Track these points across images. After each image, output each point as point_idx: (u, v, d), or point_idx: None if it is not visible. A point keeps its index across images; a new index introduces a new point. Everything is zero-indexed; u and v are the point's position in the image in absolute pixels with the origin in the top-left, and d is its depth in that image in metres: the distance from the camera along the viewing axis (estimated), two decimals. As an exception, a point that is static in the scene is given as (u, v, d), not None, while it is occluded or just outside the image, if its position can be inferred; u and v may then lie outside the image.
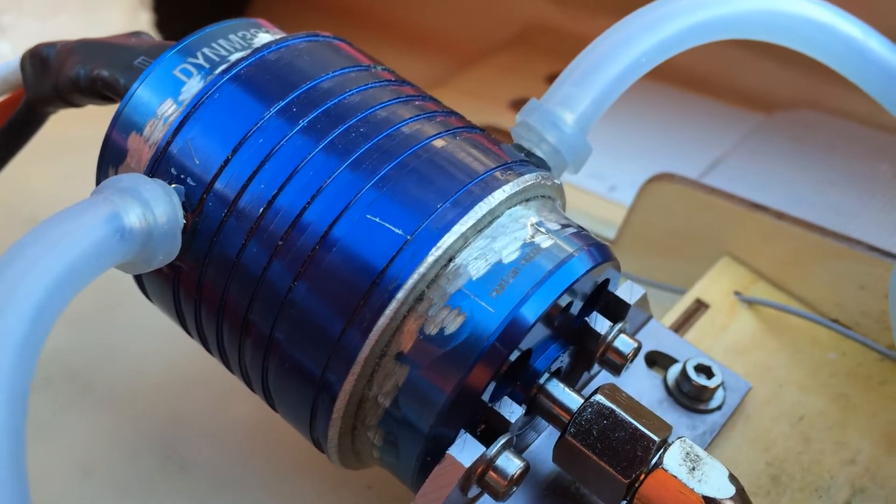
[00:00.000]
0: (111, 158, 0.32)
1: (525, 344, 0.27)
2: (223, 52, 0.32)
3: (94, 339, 0.44)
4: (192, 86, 0.31)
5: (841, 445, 0.37)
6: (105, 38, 0.35)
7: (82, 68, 0.34)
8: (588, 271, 0.29)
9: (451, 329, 0.27)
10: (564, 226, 0.30)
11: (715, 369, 0.36)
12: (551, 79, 0.75)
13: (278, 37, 0.33)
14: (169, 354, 0.43)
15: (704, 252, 0.45)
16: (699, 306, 0.42)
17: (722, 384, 0.36)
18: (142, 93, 0.31)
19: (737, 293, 0.43)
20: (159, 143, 0.30)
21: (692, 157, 0.62)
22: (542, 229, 0.29)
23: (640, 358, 0.37)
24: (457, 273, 0.27)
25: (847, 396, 0.39)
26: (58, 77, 0.35)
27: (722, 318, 0.41)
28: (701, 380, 0.35)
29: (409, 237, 0.27)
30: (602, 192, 0.59)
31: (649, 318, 0.38)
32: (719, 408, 0.36)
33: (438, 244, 0.27)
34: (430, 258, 0.27)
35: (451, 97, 0.73)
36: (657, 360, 0.38)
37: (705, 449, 0.34)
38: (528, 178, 0.29)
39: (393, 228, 0.27)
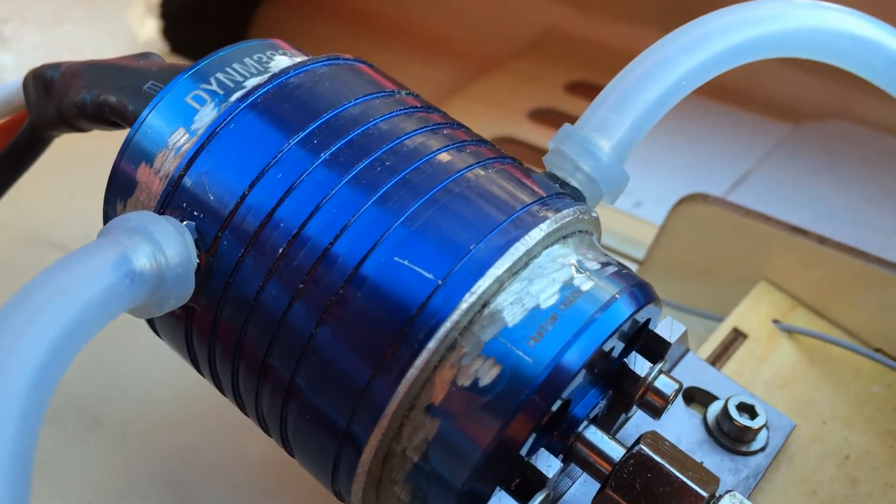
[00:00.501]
0: (120, 191, 0.30)
1: (565, 395, 0.25)
2: (238, 78, 0.30)
3: (102, 369, 0.42)
4: (206, 114, 0.29)
5: (889, 487, 0.35)
6: (112, 60, 0.33)
7: (88, 93, 0.32)
8: (631, 315, 0.27)
9: (485, 380, 0.25)
10: (604, 264, 0.28)
11: (758, 408, 0.34)
12: (570, 87, 0.74)
13: (297, 60, 0.31)
14: (180, 385, 0.41)
15: (740, 276, 0.43)
16: (737, 336, 0.40)
17: (766, 424, 0.34)
18: (152, 121, 0.30)
19: (776, 321, 0.41)
20: (171, 176, 0.28)
21: (719, 170, 0.60)
22: (582, 269, 0.27)
23: (679, 395, 0.35)
24: (492, 319, 0.25)
25: (894, 433, 0.37)
26: (62, 101, 0.33)
27: (761, 348, 0.39)
28: (744, 420, 0.33)
29: (440, 282, 0.25)
30: (627, 209, 0.57)
31: (686, 351, 0.36)
32: (763, 449, 0.34)
33: (472, 289, 0.25)
34: (464, 305, 0.25)
35: (467, 107, 0.71)
36: (696, 397, 0.36)
37: (749, 495, 0.32)
38: (566, 214, 0.27)
39: (423, 272, 0.25)
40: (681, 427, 0.34)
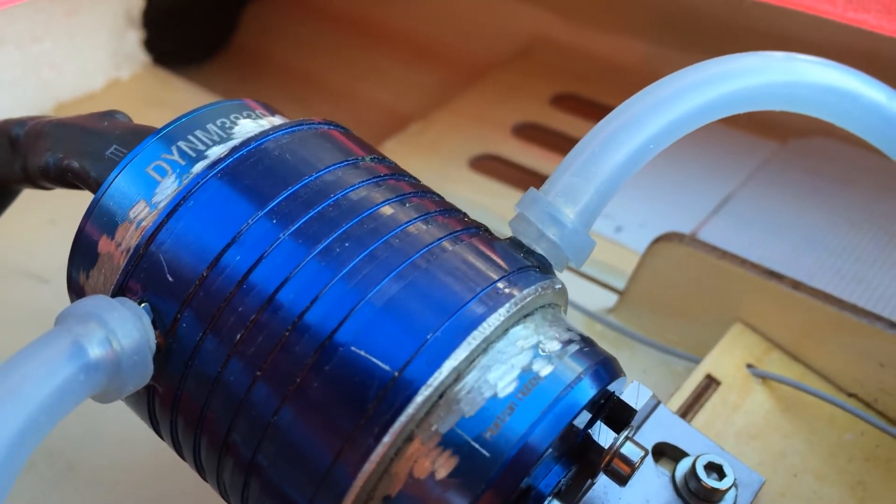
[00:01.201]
0: (82, 260, 0.30)
1: (524, 483, 0.25)
2: (200, 147, 0.30)
3: (78, 414, 0.42)
4: (167, 187, 0.29)
5: (859, 544, 0.35)
6: (76, 120, 0.33)
7: (52, 156, 0.32)
8: (591, 399, 0.27)
9: (442, 473, 0.25)
10: (567, 343, 0.28)
11: (726, 468, 0.34)
12: (556, 100, 0.73)
13: (262, 125, 0.31)
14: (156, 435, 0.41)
15: (716, 317, 0.43)
16: (710, 383, 0.40)
17: (734, 483, 0.34)
18: (113, 191, 0.29)
19: (750, 366, 0.41)
20: (131, 252, 0.28)
21: (703, 191, 0.60)
22: (543, 352, 0.27)
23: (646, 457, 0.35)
24: (449, 410, 0.25)
25: (865, 485, 0.37)
26: (26, 161, 0.33)
27: (734, 396, 0.39)
28: (712, 481, 0.33)
29: (396, 374, 0.25)
30: (608, 234, 0.57)
31: (657, 404, 0.36)
32: (731, 508, 0.34)
33: (429, 382, 0.25)
34: (420, 398, 0.24)
35: (452, 120, 0.70)
36: (666, 452, 0.36)
37: (716, 557, 0.32)
38: (528, 294, 0.27)
39: (380, 364, 0.25)
40: (649, 486, 0.34)
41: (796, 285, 0.40)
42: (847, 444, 0.38)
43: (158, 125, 0.31)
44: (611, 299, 0.50)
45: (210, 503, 0.38)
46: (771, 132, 0.65)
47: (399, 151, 0.65)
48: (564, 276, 0.44)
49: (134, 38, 0.70)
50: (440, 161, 0.65)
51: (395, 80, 0.83)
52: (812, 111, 0.35)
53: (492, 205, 0.59)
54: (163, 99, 0.68)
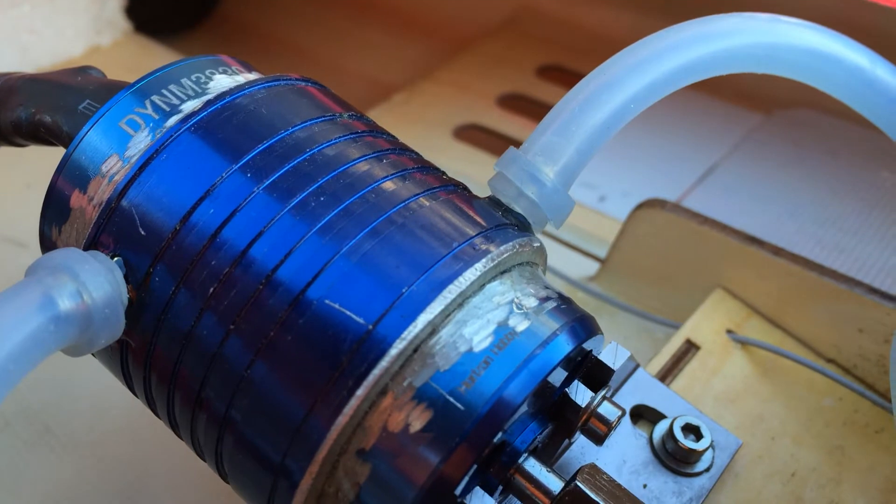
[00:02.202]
0: (54, 215, 0.29)
1: (498, 438, 0.25)
2: (174, 101, 0.29)
3: (52, 376, 0.42)
4: (140, 141, 0.28)
5: (835, 505, 0.35)
6: (50, 76, 0.33)
7: (24, 111, 0.31)
8: (567, 355, 0.26)
9: (416, 426, 0.24)
10: (544, 300, 0.27)
11: (703, 429, 0.34)
12: (542, 71, 0.73)
13: (238, 80, 0.31)
14: (131, 393, 0.41)
15: (697, 283, 0.43)
16: (689, 348, 0.40)
17: (711, 444, 0.34)
18: (85, 146, 0.29)
19: (729, 332, 0.41)
20: (103, 206, 0.28)
21: (687, 162, 0.60)
22: (519, 308, 0.27)
23: (623, 418, 0.35)
24: (423, 364, 0.25)
25: (842, 449, 0.37)
26: (-1, 117, 0.32)
27: (713, 360, 0.39)
28: (689, 442, 0.33)
29: (370, 327, 0.24)
30: (592, 203, 0.56)
31: (636, 367, 0.36)
32: (708, 469, 0.34)
33: (403, 335, 0.24)
34: (394, 351, 0.24)
35: (436, 90, 0.70)
36: (644, 414, 0.36)
37: (692, 518, 0.33)
38: (505, 250, 0.27)
39: (354, 317, 0.25)
40: (626, 447, 0.34)
41: (777, 251, 0.40)
42: (825, 409, 0.38)
43: (134, 83, 0.30)
44: (592, 267, 0.50)
45: (186, 462, 0.38)
46: (756, 103, 0.65)
47: (383, 121, 0.64)
48: (548, 245, 0.43)
49: (115, 5, 0.69)
50: (424, 131, 0.64)
51: (380, 50, 0.82)
52: (793, 74, 0.35)
53: (476, 174, 0.58)
54: (143, 66, 0.66)
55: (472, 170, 0.60)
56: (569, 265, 0.50)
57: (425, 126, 0.65)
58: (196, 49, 0.78)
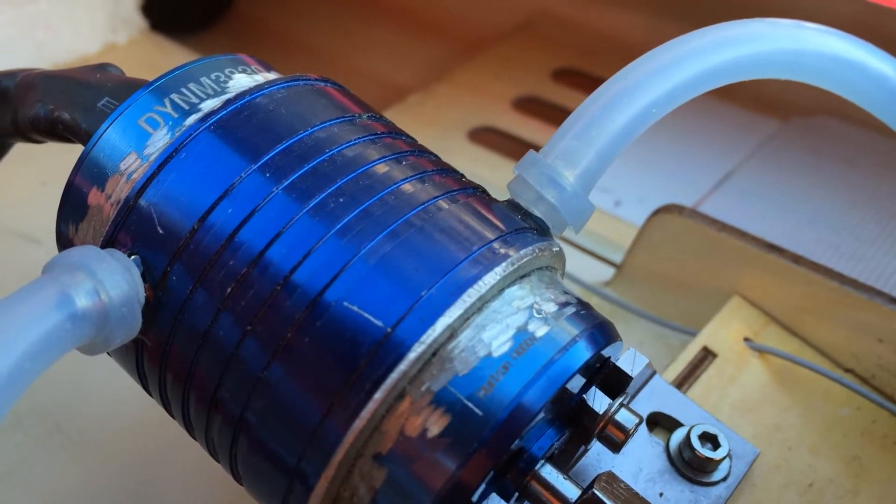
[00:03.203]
0: (71, 213, 0.29)
1: (516, 445, 0.25)
2: (194, 99, 0.29)
3: (66, 374, 0.42)
4: (159, 139, 0.28)
5: (852, 517, 0.34)
6: (68, 72, 0.32)
7: (42, 108, 0.31)
8: (586, 362, 0.26)
9: (433, 431, 0.24)
10: (563, 305, 0.27)
11: (721, 438, 0.33)
12: (557, 74, 0.72)
13: (258, 79, 0.30)
14: (145, 393, 0.41)
15: (714, 290, 0.43)
16: (706, 355, 0.39)
17: (728, 453, 0.33)
18: (104, 143, 0.29)
19: (747, 340, 0.40)
20: (121, 204, 0.28)
21: (704, 168, 0.59)
22: (539, 313, 0.26)
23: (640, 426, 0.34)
24: (442, 368, 0.25)
25: (860, 460, 0.36)
26: (16, 113, 0.32)
27: (730, 368, 0.39)
28: (706, 451, 0.33)
29: (389, 330, 0.24)
30: (607, 207, 0.56)
31: (653, 374, 0.36)
32: (725, 479, 0.33)
33: (422, 339, 0.24)
34: (412, 354, 0.24)
35: (452, 93, 0.70)
36: (660, 422, 0.35)
37: (708, 527, 0.32)
38: (525, 255, 0.27)
39: (372, 319, 0.24)
40: (643, 455, 0.34)
41: (797, 259, 0.39)
42: (843, 419, 0.38)
43: (152, 81, 0.30)
44: (608, 273, 0.50)
45: (198, 462, 0.37)
46: (774, 110, 0.65)
47: (398, 122, 0.64)
48: (564, 247, 0.43)
49: (131, 2, 0.69)
50: (439, 132, 0.64)
51: (395, 51, 0.82)
52: (817, 81, 0.35)
53: (490, 177, 0.58)
54: (159, 65, 0.66)
55: (487, 172, 0.59)
56: (584, 270, 0.49)
57: (440, 128, 0.65)
58: (210, 48, 0.78)
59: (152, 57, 0.68)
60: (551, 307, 0.27)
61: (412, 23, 0.84)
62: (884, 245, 0.51)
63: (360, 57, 0.82)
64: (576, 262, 0.51)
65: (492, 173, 0.59)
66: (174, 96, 0.29)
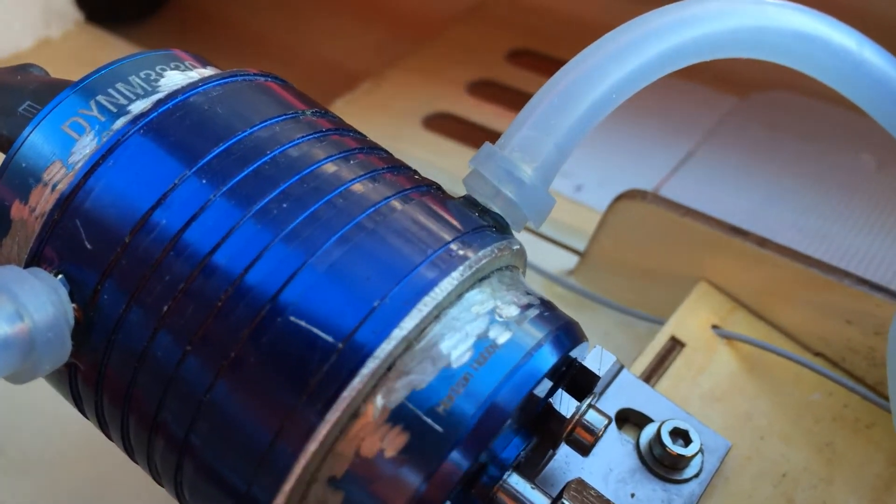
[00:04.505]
0: (-5, 226, 0.27)
1: (480, 460, 0.23)
2: (122, 101, 0.27)
3: (3, 396, 0.39)
4: (85, 145, 0.26)
5: (827, 507, 0.34)
6: (-13, 74, 0.30)
7: (-41, 113, 0.29)
8: (552, 367, 0.25)
9: (391, 451, 0.23)
10: (525, 307, 0.26)
11: (692, 433, 0.32)
12: (512, 56, 0.71)
13: (191, 77, 0.28)
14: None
15: (680, 276, 0.41)
16: (674, 345, 0.38)
17: (700, 449, 0.32)
18: (26, 151, 0.27)
19: (715, 327, 0.39)
20: (46, 218, 0.25)
21: (664, 148, 0.58)
22: (500, 318, 0.25)
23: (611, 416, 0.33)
24: (398, 383, 0.23)
25: (833, 446, 0.36)
26: (-67, 120, 0.30)
27: (699, 358, 0.38)
28: (677, 447, 0.32)
29: (340, 345, 0.23)
30: (568, 193, 0.55)
31: (620, 369, 0.35)
32: (697, 475, 0.32)
33: (376, 353, 0.23)
34: (366, 370, 0.22)
35: (404, 79, 0.68)
36: (629, 418, 0.34)
37: (683, 526, 0.31)
38: (483, 255, 0.25)
39: (322, 335, 0.23)
40: (612, 454, 0.33)
41: (762, 242, 0.38)
42: (814, 405, 0.37)
43: (81, 81, 0.28)
44: (571, 261, 0.48)
45: (147, 482, 0.35)
46: (731, 86, 0.64)
47: (350, 111, 0.63)
48: (522, 237, 0.42)
49: (66, -10, 0.65)
50: (392, 120, 0.62)
51: (345, 37, 0.80)
52: (780, 58, 0.33)
53: (446, 164, 0.56)
54: (96, 59, 0.63)
55: (443, 160, 0.58)
56: (547, 259, 0.48)
57: (393, 116, 0.63)
58: (151, 39, 0.75)
59: (89, 51, 0.66)
60: (513, 311, 0.25)
61: (363, 8, 0.82)
62: (848, 221, 0.51)
63: (310, 44, 0.80)
64: (537, 251, 0.49)
65: (448, 161, 0.57)
66: (101, 98, 0.27)
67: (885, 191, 0.52)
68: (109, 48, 0.65)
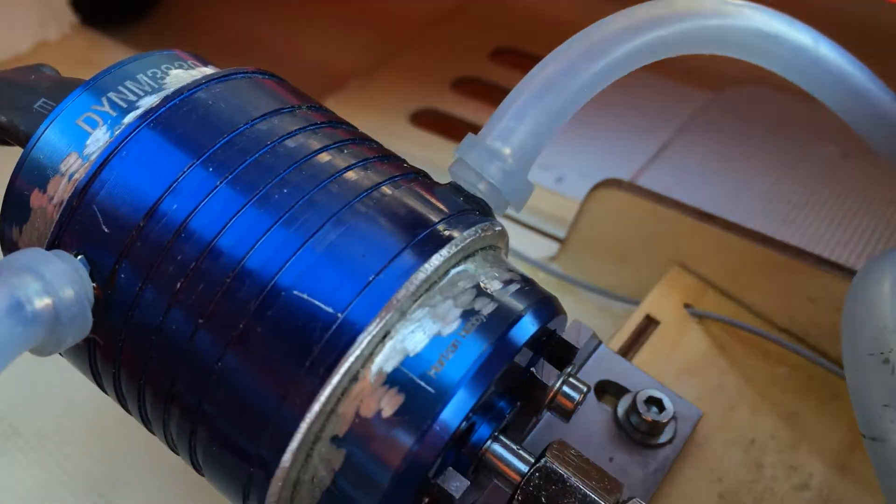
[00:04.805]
0: (15, 216, 0.29)
1: (468, 421, 0.26)
2: (131, 97, 0.29)
3: (17, 377, 0.41)
4: (98, 138, 0.28)
5: (793, 470, 0.36)
6: (3, 74, 0.32)
7: (-22, 111, 0.31)
8: (532, 336, 0.27)
9: (388, 411, 0.25)
10: (507, 282, 0.28)
11: (665, 402, 0.35)
12: (496, 54, 0.73)
13: (194, 75, 0.30)
14: (99, 391, 0.41)
15: (655, 260, 0.44)
16: (649, 323, 0.41)
17: (674, 416, 0.35)
18: (43, 145, 0.29)
19: (687, 306, 0.42)
20: (64, 205, 0.28)
21: (641, 140, 0.61)
22: (484, 291, 0.27)
23: (588, 393, 0.36)
24: (394, 349, 0.25)
25: (798, 414, 0.38)
26: (-48, 117, 0.32)
27: (673, 334, 0.40)
28: (652, 414, 0.34)
29: (340, 315, 0.25)
30: (549, 184, 0.57)
31: (598, 344, 0.37)
32: (671, 441, 0.35)
33: (372, 322, 0.25)
34: (363, 338, 0.25)
35: (390, 78, 0.70)
36: (608, 390, 0.37)
37: (658, 487, 0.34)
38: (468, 235, 0.28)
39: (322, 306, 0.25)
40: (592, 422, 0.35)
41: (729, 226, 0.41)
42: (781, 377, 0.40)
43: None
44: (553, 248, 0.51)
45: (156, 457, 0.38)
46: (706, 81, 0.66)
47: (339, 109, 0.64)
48: (509, 228, 0.44)
49: (61, -1, 0.67)
50: (381, 117, 0.64)
51: (334, 37, 0.82)
52: (741, 54, 0.36)
53: (433, 158, 0.59)
54: (92, 60, 0.66)
55: (430, 154, 0.60)
56: (530, 246, 0.50)
57: (381, 113, 0.65)
58: (145, 40, 0.77)
59: (85, 53, 0.67)
60: (496, 285, 0.28)
61: (349, 10, 0.84)
62: (814, 208, 0.53)
63: (299, 44, 0.82)
64: (521, 239, 0.52)
65: (435, 155, 0.60)
66: (111, 95, 0.29)
67: (849, 178, 0.54)
68: (105, 50, 0.67)
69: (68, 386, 0.42)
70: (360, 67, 0.72)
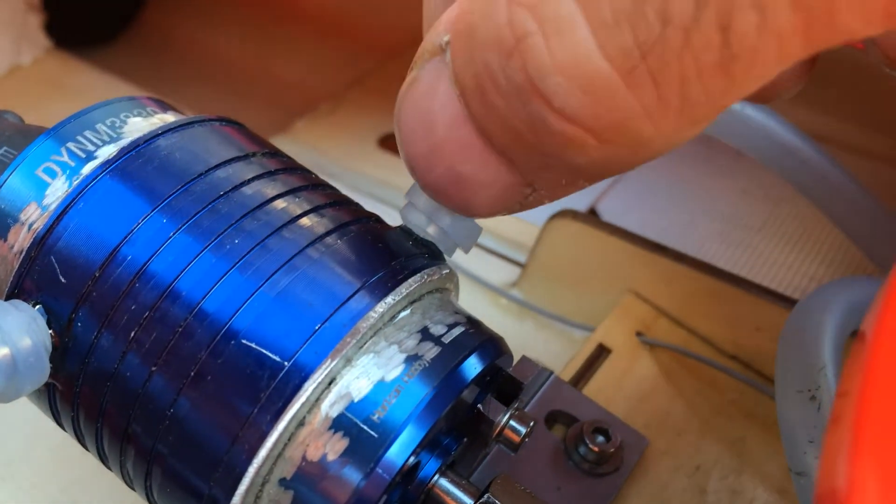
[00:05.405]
0: (-23, 262, 0.30)
1: (412, 461, 0.27)
2: (90, 147, 0.30)
3: (-15, 408, 0.42)
4: (57, 188, 0.29)
5: (736, 495, 0.38)
6: (-35, 121, 0.33)
7: (-60, 159, 0.32)
8: (473, 379, 0.28)
9: (332, 455, 0.26)
10: (452, 325, 0.29)
11: (612, 431, 0.36)
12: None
13: (153, 124, 0.32)
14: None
15: (609, 288, 0.45)
16: (602, 351, 0.42)
17: (620, 444, 0.36)
18: (5, 193, 0.30)
19: (639, 334, 0.43)
20: (23, 255, 0.29)
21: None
22: (429, 335, 0.28)
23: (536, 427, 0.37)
24: (339, 395, 0.26)
25: (743, 440, 0.40)
26: (-85, 164, 0.33)
27: (624, 363, 0.42)
28: (599, 444, 0.36)
29: (287, 363, 0.26)
30: (513, 209, 0.58)
31: (550, 375, 0.38)
32: (617, 469, 0.36)
33: (317, 370, 0.26)
34: (310, 385, 0.26)
35: (362, 99, 0.71)
36: (558, 419, 0.38)
37: (603, 516, 0.35)
38: (414, 282, 0.29)
39: (270, 355, 0.26)
40: (541, 451, 0.36)
41: (679, 257, 0.42)
42: (728, 404, 0.41)
43: (62, 111, 0.31)
44: (515, 273, 0.52)
45: (124, 487, 0.39)
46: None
47: (309, 132, 0.66)
48: (472, 251, 0.45)
49: (35, 22, 0.68)
50: (349, 140, 0.66)
51: (307, 58, 0.83)
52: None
53: (400, 183, 0.60)
54: (66, 83, 0.67)
55: (397, 179, 0.61)
56: (492, 272, 0.52)
57: (350, 135, 0.66)
58: (118, 61, 0.77)
59: (59, 76, 0.68)
60: (440, 329, 0.29)
61: (324, 28, 0.85)
62: (769, 231, 0.55)
63: (271, 65, 0.83)
64: (484, 264, 0.53)
65: (402, 179, 0.61)
66: (70, 144, 0.30)
67: (807, 204, 0.56)
68: (78, 73, 0.68)
69: (35, 415, 0.42)
70: (332, 89, 0.73)
